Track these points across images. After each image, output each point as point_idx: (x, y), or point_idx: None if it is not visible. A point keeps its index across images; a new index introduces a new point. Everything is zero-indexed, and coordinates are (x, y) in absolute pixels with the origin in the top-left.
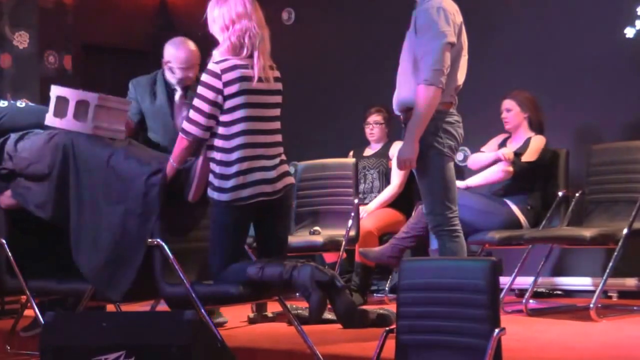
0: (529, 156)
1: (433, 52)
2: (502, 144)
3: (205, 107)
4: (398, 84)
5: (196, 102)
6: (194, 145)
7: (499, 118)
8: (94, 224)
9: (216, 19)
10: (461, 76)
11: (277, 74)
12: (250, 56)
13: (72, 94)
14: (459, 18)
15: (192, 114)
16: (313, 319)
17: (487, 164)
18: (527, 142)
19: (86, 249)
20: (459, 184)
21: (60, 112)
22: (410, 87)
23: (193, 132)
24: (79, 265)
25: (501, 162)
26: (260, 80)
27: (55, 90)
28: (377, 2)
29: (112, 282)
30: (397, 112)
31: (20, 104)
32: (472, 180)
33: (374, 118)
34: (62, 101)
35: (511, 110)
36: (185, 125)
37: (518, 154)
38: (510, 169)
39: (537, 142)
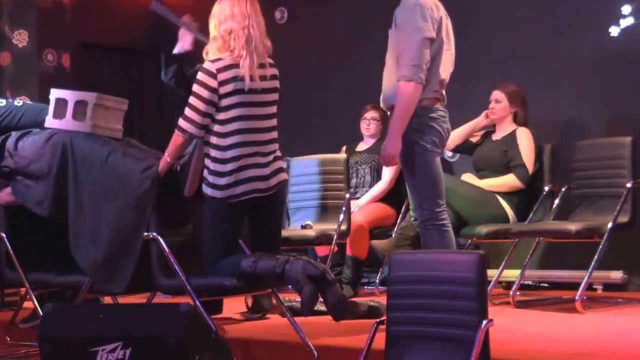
0: (531, 165)
1: (410, 48)
2: (486, 137)
3: (200, 105)
4: (384, 81)
5: (192, 100)
6: (189, 142)
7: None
8: (92, 220)
9: (212, 15)
10: (445, 71)
11: (273, 71)
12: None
13: (70, 95)
14: (438, 13)
15: (188, 112)
16: (305, 312)
17: (465, 133)
18: (513, 135)
19: (85, 245)
20: (469, 176)
21: (59, 114)
22: (394, 83)
23: (189, 130)
24: (77, 261)
25: (512, 177)
26: (252, 79)
27: (55, 93)
28: (368, 0)
29: (112, 275)
30: (384, 109)
31: (18, 102)
32: (481, 184)
33: (371, 114)
34: (61, 103)
35: (500, 102)
36: (181, 122)
37: (520, 165)
38: (520, 184)
39: (529, 144)
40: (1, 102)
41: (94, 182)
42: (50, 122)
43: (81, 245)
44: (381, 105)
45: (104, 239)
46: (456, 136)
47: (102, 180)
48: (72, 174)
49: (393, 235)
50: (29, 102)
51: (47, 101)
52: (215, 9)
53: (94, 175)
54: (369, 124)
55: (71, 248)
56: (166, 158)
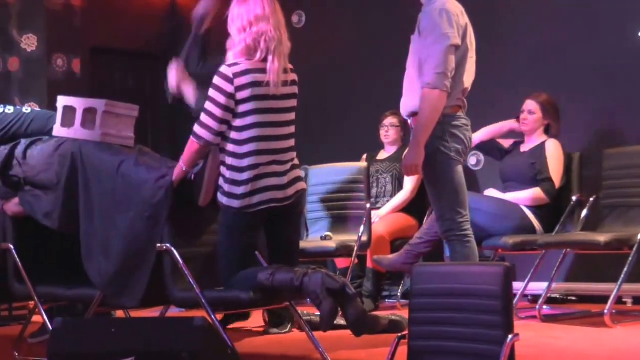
0: (558, 179)
1: (436, 55)
2: (515, 146)
3: (217, 111)
4: (405, 88)
5: (208, 105)
6: (205, 149)
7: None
8: (104, 232)
9: (235, 18)
10: (468, 79)
11: (293, 76)
12: (264, 60)
13: (78, 103)
14: (463, 19)
15: (204, 118)
16: (324, 327)
17: (492, 133)
18: (542, 147)
19: (97, 257)
20: (493, 192)
21: (67, 122)
22: (416, 91)
23: (205, 137)
24: (90, 274)
25: (537, 191)
26: (273, 84)
27: (62, 101)
28: (387, 4)
29: (125, 288)
30: (405, 117)
31: (27, 109)
32: (506, 197)
33: (390, 120)
34: (69, 111)
35: (534, 114)
36: (197, 129)
37: (547, 179)
38: (546, 198)
39: (558, 157)
40: (9, 110)
41: (105, 193)
42: (58, 130)
43: (93, 258)
44: (402, 112)
45: (116, 251)
46: (482, 134)
47: (114, 191)
48: (83, 185)
49: (403, 250)
50: (37, 109)
51: (56, 108)
52: (241, 10)
53: (105, 185)
54: (387, 130)
55: (83, 261)
56: (181, 166)
